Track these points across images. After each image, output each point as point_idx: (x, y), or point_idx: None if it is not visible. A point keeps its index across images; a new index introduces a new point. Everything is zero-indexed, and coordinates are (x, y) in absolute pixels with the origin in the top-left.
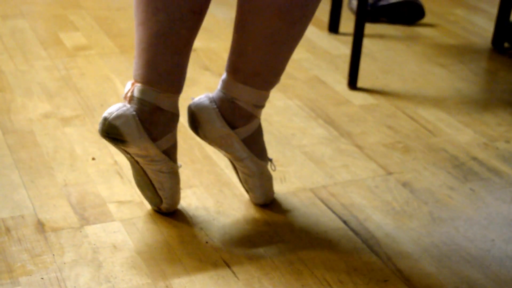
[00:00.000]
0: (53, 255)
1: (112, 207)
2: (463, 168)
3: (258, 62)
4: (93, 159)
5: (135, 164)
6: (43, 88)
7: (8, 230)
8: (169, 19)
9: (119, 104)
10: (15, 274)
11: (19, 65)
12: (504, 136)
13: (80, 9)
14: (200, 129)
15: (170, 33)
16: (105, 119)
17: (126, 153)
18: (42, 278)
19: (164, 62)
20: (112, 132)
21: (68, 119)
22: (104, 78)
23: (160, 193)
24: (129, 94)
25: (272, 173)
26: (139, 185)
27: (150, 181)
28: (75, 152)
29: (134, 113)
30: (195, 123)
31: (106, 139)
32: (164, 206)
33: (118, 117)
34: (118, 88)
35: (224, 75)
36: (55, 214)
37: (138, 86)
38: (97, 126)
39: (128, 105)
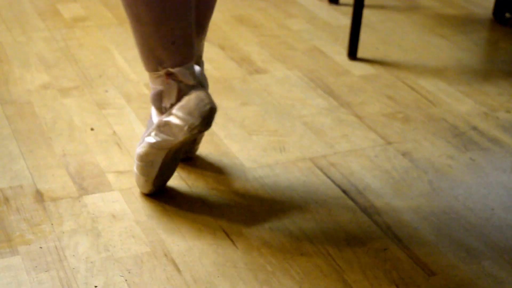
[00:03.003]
0: (52, 224)
1: (111, 177)
2: (463, 138)
3: None
4: (92, 129)
5: (184, 145)
6: (41, 59)
7: (7, 200)
8: None
9: (198, 92)
10: (14, 243)
11: (17, 36)
12: (504, 106)
13: None
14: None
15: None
16: (212, 109)
17: (192, 136)
18: (41, 247)
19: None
20: (213, 116)
21: (66, 90)
22: (103, 49)
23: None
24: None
25: (272, 143)
26: (170, 168)
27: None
28: (73, 123)
29: None
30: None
31: (204, 129)
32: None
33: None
34: (116, 59)
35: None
36: (53, 184)
37: (189, 65)
38: (95, 97)
39: (199, 87)
